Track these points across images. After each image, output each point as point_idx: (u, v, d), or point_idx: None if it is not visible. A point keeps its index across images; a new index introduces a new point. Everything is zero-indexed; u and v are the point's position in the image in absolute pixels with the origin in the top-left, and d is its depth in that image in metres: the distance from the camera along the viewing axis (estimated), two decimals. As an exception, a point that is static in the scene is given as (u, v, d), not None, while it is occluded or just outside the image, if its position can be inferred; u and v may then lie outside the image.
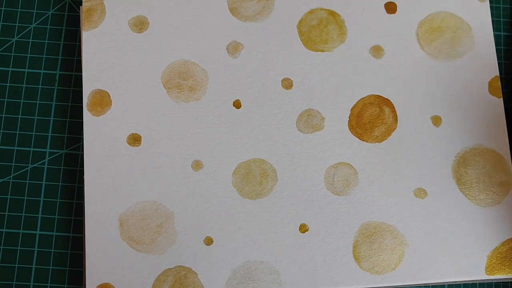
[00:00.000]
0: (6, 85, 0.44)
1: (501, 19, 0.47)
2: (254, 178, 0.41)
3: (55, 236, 0.42)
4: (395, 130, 0.42)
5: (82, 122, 0.43)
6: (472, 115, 0.43)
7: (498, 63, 0.44)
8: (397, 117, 0.43)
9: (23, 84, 0.44)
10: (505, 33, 0.47)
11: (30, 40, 0.45)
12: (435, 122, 0.43)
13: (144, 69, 0.43)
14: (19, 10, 0.46)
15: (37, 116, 0.44)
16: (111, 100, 0.42)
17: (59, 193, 0.43)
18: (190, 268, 0.40)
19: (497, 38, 0.46)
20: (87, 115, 0.42)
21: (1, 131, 0.44)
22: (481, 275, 0.40)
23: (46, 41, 0.45)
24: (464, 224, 0.41)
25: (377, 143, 0.42)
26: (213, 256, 0.40)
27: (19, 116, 0.44)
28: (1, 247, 0.42)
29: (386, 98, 0.43)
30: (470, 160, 0.42)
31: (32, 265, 0.42)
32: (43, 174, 0.43)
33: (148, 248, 0.40)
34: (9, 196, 0.43)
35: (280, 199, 0.41)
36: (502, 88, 0.45)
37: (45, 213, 0.43)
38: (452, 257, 0.41)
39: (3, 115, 0.44)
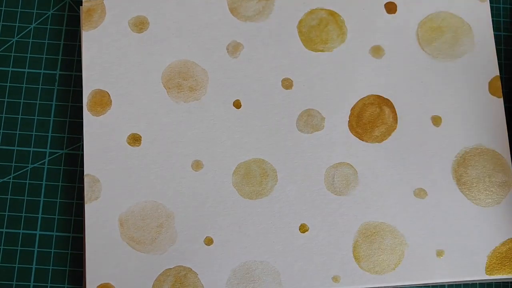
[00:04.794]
0: (6, 85, 0.44)
1: (501, 19, 0.47)
2: (254, 178, 0.41)
3: (55, 236, 0.42)
4: (395, 130, 0.42)
5: (82, 122, 0.43)
6: (472, 115, 0.43)
7: (498, 63, 0.44)
8: (397, 117, 0.43)
9: (23, 84, 0.45)
10: (505, 33, 0.47)
11: (30, 40, 0.45)
12: (435, 122, 0.43)
13: (144, 69, 0.43)
14: (19, 10, 0.46)
15: (37, 116, 0.44)
16: (111, 100, 0.42)
17: (59, 193, 0.43)
18: (190, 268, 0.40)
19: (497, 38, 0.46)
20: (87, 115, 0.42)
21: (1, 131, 0.44)
22: (481, 275, 0.40)
23: (46, 41, 0.45)
24: (464, 224, 0.41)
25: (377, 143, 0.42)
26: (213, 256, 0.40)
27: (19, 116, 0.44)
28: (1, 247, 0.42)
29: (386, 98, 0.43)
30: (470, 160, 0.42)
31: (32, 265, 0.42)
32: (43, 174, 0.43)
33: (148, 248, 0.40)
34: (9, 196, 0.43)
35: (280, 199, 0.41)
36: (502, 88, 0.45)
37: (45, 213, 0.43)
38: (452, 257, 0.41)
39: (3, 115, 0.44)
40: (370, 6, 0.44)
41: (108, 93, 0.42)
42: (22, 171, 0.43)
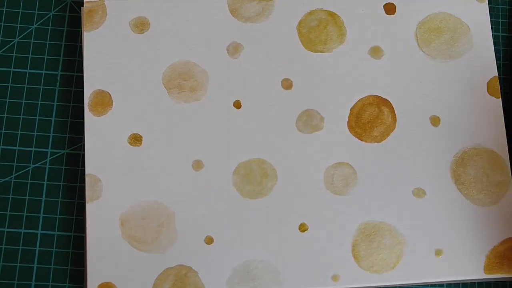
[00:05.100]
0: (8, 86, 0.45)
1: (500, 20, 0.47)
2: (254, 178, 0.42)
3: (57, 235, 0.43)
4: (394, 130, 0.43)
5: (83, 122, 0.43)
6: (470, 115, 0.43)
7: (497, 64, 0.45)
8: (396, 117, 0.43)
9: (24, 84, 0.45)
10: (503, 34, 0.47)
11: (32, 41, 0.45)
12: (434, 122, 0.43)
13: (145, 69, 0.43)
14: (20, 11, 0.46)
15: (39, 117, 0.44)
16: (112, 101, 0.42)
17: (60, 192, 0.43)
18: (191, 267, 0.40)
19: (495, 38, 0.46)
20: (88, 115, 0.42)
21: (3, 131, 0.44)
22: (480, 275, 0.41)
23: (48, 42, 0.45)
24: (463, 223, 0.41)
25: (376, 143, 0.42)
26: (213, 255, 0.40)
27: (21, 116, 0.44)
28: (3, 246, 0.42)
29: (385, 99, 0.43)
30: (469, 160, 0.42)
31: (34, 264, 0.42)
32: (44, 174, 0.43)
33: (149, 247, 0.40)
34: (10, 196, 0.43)
35: (280, 199, 0.41)
36: (500, 89, 0.45)
37: (46, 213, 0.43)
38: (451, 256, 0.41)
39: (5, 115, 0.44)
40: (369, 7, 0.44)
41: (109, 94, 0.42)
42: (23, 171, 0.43)
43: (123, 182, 0.41)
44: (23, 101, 0.44)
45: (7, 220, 0.43)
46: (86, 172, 0.41)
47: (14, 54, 0.45)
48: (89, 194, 0.41)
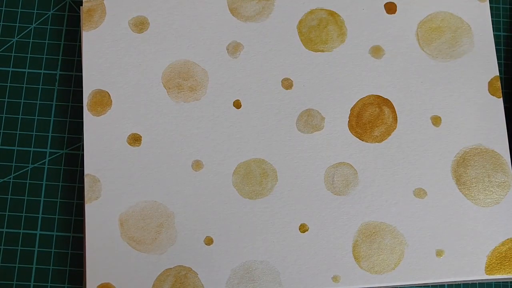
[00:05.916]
0: (7, 85, 0.44)
1: (501, 19, 0.47)
2: (254, 178, 0.41)
3: (56, 236, 0.43)
4: (395, 130, 0.42)
5: (82, 122, 0.43)
6: (471, 115, 0.43)
7: (498, 63, 0.44)
8: (396, 117, 0.43)
9: (23, 84, 0.45)
10: (504, 33, 0.47)
11: (31, 40, 0.45)
12: (435, 122, 0.43)
13: (144, 69, 0.43)
14: (19, 10, 0.46)
15: (38, 116, 0.44)
16: (111, 100, 0.42)
17: (59, 193, 0.43)
18: (190, 268, 0.40)
19: (496, 38, 0.46)
20: (87, 115, 0.42)
21: (2, 131, 0.44)
22: (481, 275, 0.40)
23: (47, 41, 0.45)
24: (464, 224, 0.41)
25: (377, 143, 0.42)
26: (213, 256, 0.40)
27: (20, 116, 0.44)
28: (2, 247, 0.42)
29: (386, 98, 0.43)
30: (470, 160, 0.42)
31: (33, 265, 0.42)
32: (43, 174, 0.43)
33: (149, 248, 0.40)
34: (9, 196, 0.43)
35: (280, 199, 0.41)
36: (501, 88, 0.45)
37: (45, 213, 0.43)
38: (452, 257, 0.41)
39: (4, 115, 0.44)
40: (370, 6, 0.44)
41: (108, 93, 0.42)
42: (22, 171, 0.43)
43: (122, 183, 0.41)
44: (22, 100, 0.44)
45: (6, 220, 0.43)
46: (85, 172, 0.41)
47: (12, 54, 0.45)
48: (88, 195, 0.41)
